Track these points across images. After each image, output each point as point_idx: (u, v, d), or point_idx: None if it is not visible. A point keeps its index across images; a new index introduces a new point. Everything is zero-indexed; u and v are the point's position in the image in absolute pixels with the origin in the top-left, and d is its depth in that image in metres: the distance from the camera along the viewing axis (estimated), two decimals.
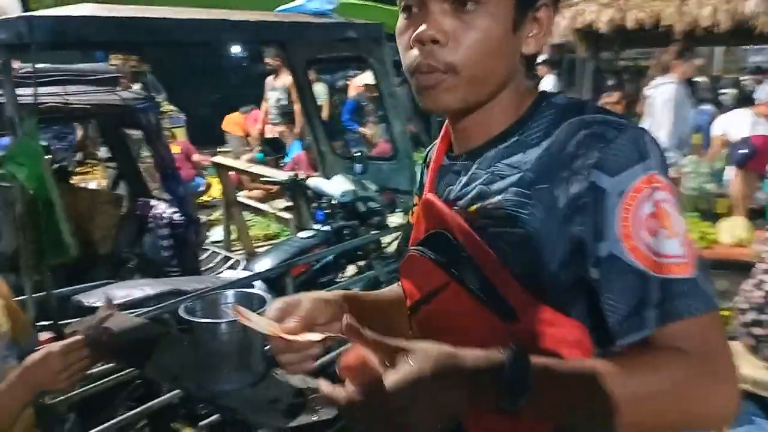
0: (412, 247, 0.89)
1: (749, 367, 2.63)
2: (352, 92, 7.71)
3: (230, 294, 1.38)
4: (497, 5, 0.74)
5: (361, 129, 7.13)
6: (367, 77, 6.15)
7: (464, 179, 0.83)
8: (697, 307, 0.67)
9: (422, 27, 0.74)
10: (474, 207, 0.80)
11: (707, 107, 8.53)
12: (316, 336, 0.79)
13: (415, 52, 0.76)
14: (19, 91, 1.75)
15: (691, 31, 7.41)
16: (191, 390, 1.30)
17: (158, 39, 2.19)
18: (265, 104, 7.13)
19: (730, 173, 6.33)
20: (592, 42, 9.42)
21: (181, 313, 1.28)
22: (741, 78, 13.46)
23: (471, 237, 0.78)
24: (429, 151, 0.98)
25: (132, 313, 1.80)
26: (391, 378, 0.58)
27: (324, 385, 0.62)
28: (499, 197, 0.77)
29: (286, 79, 6.71)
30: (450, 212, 0.82)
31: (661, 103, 5.48)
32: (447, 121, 0.89)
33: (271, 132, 7.03)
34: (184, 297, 1.87)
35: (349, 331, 0.61)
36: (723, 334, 0.71)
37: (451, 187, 0.86)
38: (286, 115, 6.82)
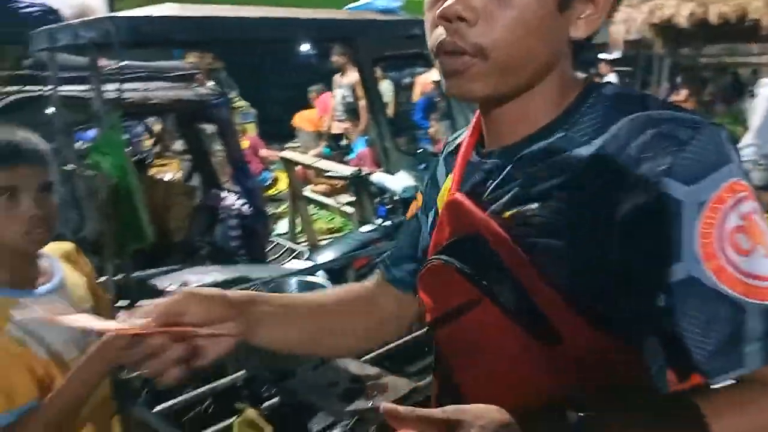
0: (434, 256, 0.77)
1: None
2: (417, 89, 7.74)
3: (293, 281, 1.44)
4: None
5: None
6: (434, 74, 6.17)
7: (497, 180, 0.71)
8: None
9: (449, 1, 0.62)
10: (509, 213, 0.68)
11: None
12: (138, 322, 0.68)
13: (440, 30, 0.65)
14: (104, 87, 1.88)
15: None
16: (256, 371, 1.37)
17: (233, 36, 2.30)
18: (332, 101, 7.28)
19: None
20: (671, 38, 9.02)
21: None
22: None
23: (507, 246, 0.67)
24: (450, 143, 0.88)
25: None
26: None
27: None
28: (540, 203, 0.66)
29: (351, 76, 6.83)
30: (483, 216, 0.70)
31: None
32: (478, 110, 0.77)
33: (337, 128, 7.18)
34: (251, 283, 1.97)
35: (389, 416, 0.54)
36: None
37: (480, 188, 0.73)
38: (351, 112, 6.95)
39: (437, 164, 0.88)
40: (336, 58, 6.95)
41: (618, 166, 0.62)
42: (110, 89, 1.88)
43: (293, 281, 1.45)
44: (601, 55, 15.40)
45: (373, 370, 1.33)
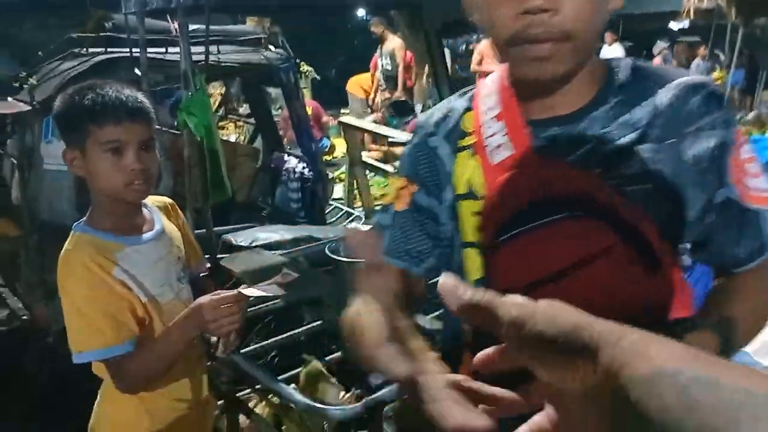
0: (531, 219, 0.78)
1: None
2: (476, 57, 7.66)
3: None
4: None
5: None
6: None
7: (567, 143, 0.78)
8: None
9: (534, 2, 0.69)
10: (598, 169, 0.76)
11: None
12: None
13: (522, 21, 0.71)
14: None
15: None
16: (332, 320, 1.46)
17: (306, 3, 2.35)
18: (377, 71, 7.31)
19: None
20: (746, 6, 8.57)
21: (328, 252, 1.45)
22: None
23: (617, 196, 0.75)
24: (434, 124, 0.90)
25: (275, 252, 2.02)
26: None
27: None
28: (627, 155, 0.76)
29: (391, 44, 6.85)
30: (589, 174, 0.76)
31: None
32: (501, 81, 0.84)
33: (381, 97, 7.22)
34: (318, 243, 2.07)
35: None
36: None
37: (553, 152, 0.79)
38: (390, 79, 6.97)
39: (421, 148, 0.90)
40: (374, 28, 6.95)
41: (683, 120, 0.77)
42: (196, 51, 1.98)
43: None
44: (671, 24, 14.74)
45: (436, 322, 1.41)
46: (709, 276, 0.87)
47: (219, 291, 1.31)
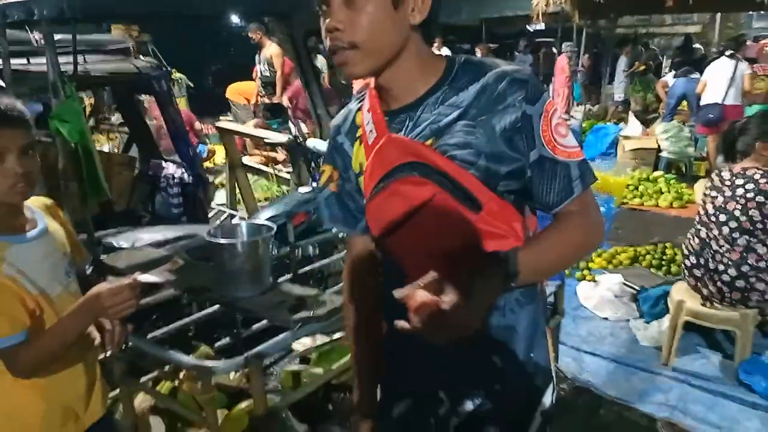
0: (382, 181, 1.09)
1: (691, 302, 2.99)
2: None
3: (244, 224, 1.71)
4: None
5: None
6: None
7: (411, 124, 1.07)
8: (590, 180, 1.06)
9: (327, 21, 1.00)
10: (429, 140, 1.04)
11: (695, 75, 8.73)
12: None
13: (329, 38, 1.00)
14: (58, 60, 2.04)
15: None
16: (218, 298, 1.63)
17: (173, 11, 2.47)
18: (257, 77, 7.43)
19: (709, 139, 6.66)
20: (588, 10, 9.48)
21: (207, 237, 1.61)
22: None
23: (441, 158, 1.04)
24: (341, 125, 1.20)
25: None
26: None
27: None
28: (451, 129, 1.03)
29: (269, 50, 7.00)
30: (421, 144, 1.05)
31: None
32: (370, 87, 1.13)
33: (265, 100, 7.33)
34: (198, 237, 2.20)
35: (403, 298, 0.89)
36: (593, 198, 1.10)
37: (401, 131, 1.07)
38: (268, 85, 7.12)
39: (334, 144, 1.21)
40: (252, 34, 7.06)
41: (493, 100, 1.02)
42: (64, 62, 2.05)
43: (243, 224, 1.71)
44: (528, 27, 15.98)
45: (313, 291, 1.62)
46: (548, 217, 1.14)
47: (112, 279, 1.43)
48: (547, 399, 1.18)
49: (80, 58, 3.12)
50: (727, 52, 6.63)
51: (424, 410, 1.20)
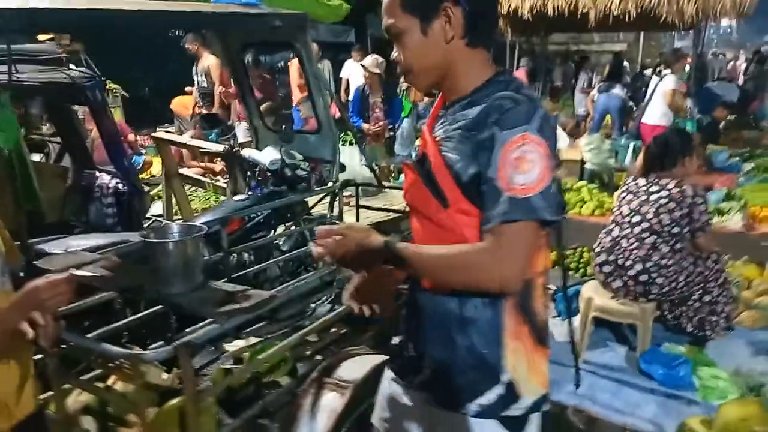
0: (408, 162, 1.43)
1: (600, 298, 3.27)
2: (293, 73, 8.00)
3: (175, 225, 1.82)
4: (408, 31, 1.28)
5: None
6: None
7: (443, 121, 1.34)
8: (517, 217, 1.16)
9: (394, 54, 1.34)
10: (438, 138, 1.32)
11: (616, 91, 9.30)
12: None
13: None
14: None
15: (604, 18, 8.08)
16: (150, 295, 1.73)
17: (106, 26, 2.54)
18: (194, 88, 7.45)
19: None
20: (519, 27, 9.95)
21: (139, 236, 1.71)
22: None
23: (432, 152, 1.31)
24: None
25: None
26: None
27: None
28: (450, 134, 1.28)
29: (205, 62, 7.04)
30: (429, 138, 1.35)
31: None
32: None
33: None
34: (132, 243, 2.28)
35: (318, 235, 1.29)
36: (525, 237, 1.18)
37: (436, 127, 1.37)
38: (206, 96, 7.15)
39: None
40: (189, 45, 7.07)
41: (481, 119, 1.23)
42: None
43: (175, 225, 1.82)
44: None
45: (240, 287, 1.75)
46: None
47: (48, 275, 1.51)
48: (491, 397, 1.31)
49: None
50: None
51: (403, 353, 1.49)
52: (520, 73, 9.72)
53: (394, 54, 1.34)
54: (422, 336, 1.41)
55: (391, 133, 6.26)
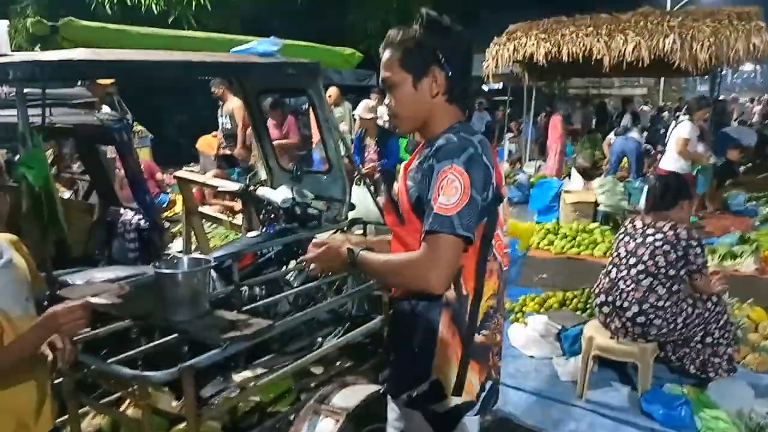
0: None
1: (600, 338, 3.32)
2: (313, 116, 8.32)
3: (185, 259, 1.97)
4: (401, 83, 1.56)
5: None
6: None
7: (417, 155, 1.63)
8: (437, 228, 1.44)
9: (386, 100, 1.64)
10: (409, 171, 1.60)
11: (633, 134, 9.41)
12: None
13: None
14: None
15: (618, 63, 8.26)
16: (160, 322, 1.87)
17: (140, 77, 2.76)
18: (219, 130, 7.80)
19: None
20: (534, 72, 10.20)
21: (152, 268, 1.87)
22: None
23: (400, 182, 1.61)
24: None
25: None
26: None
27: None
28: (414, 168, 1.57)
29: (229, 105, 7.39)
30: (402, 172, 1.64)
31: None
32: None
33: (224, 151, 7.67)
34: (149, 275, 2.44)
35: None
36: (447, 248, 1.45)
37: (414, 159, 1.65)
38: (230, 137, 7.48)
39: None
40: (215, 89, 7.48)
41: (429, 155, 1.53)
42: (33, 114, 2.30)
43: (185, 258, 1.98)
44: (484, 86, 16.81)
45: (243, 316, 1.88)
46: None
47: (67, 301, 1.68)
48: (419, 391, 1.54)
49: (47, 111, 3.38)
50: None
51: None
52: (557, 119, 9.96)
53: (386, 101, 1.61)
54: (388, 334, 1.76)
55: (378, 174, 6.57)
